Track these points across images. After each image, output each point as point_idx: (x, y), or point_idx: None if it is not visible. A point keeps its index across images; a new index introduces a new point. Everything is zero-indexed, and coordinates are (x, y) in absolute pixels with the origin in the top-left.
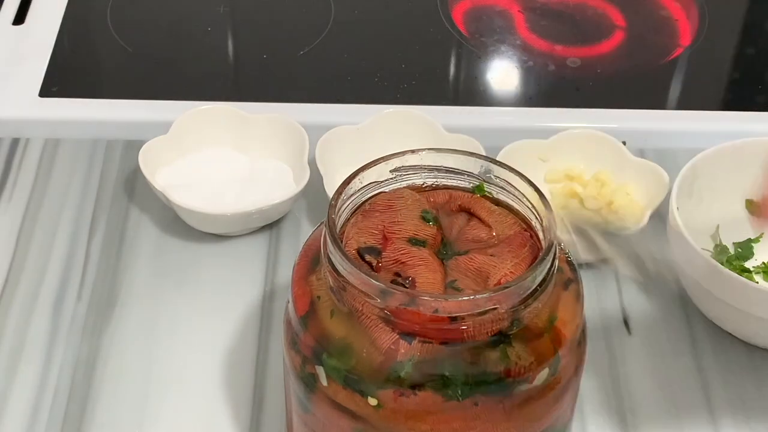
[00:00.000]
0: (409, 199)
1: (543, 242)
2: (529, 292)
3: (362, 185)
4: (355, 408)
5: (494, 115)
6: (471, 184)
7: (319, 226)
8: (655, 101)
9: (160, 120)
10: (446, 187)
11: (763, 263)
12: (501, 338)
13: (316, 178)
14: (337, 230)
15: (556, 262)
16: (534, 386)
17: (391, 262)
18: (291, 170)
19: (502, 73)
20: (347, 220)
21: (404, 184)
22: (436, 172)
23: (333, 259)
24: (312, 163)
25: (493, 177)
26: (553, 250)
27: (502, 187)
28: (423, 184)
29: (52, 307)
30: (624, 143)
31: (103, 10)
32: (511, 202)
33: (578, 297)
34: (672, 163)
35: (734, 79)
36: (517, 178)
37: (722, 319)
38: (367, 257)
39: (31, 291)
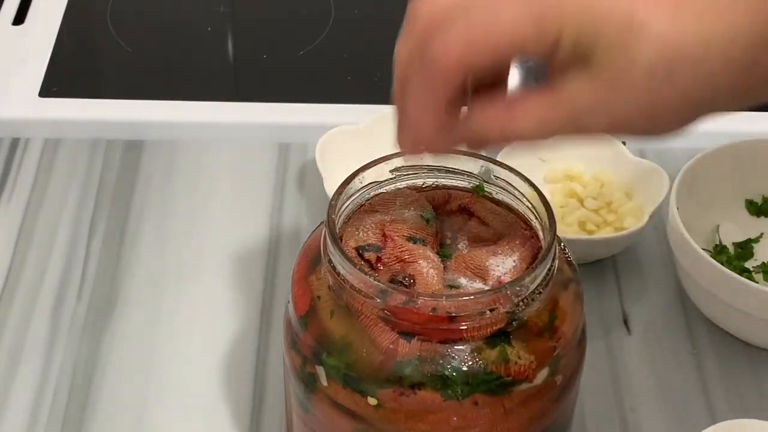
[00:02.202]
0: (409, 198)
1: (543, 242)
2: (529, 292)
3: (362, 185)
4: (355, 408)
5: None
6: (471, 184)
7: (319, 226)
8: None
9: (160, 120)
10: (446, 187)
11: (763, 263)
12: (501, 338)
13: (315, 178)
14: (337, 230)
15: (556, 262)
16: (534, 386)
17: (391, 261)
18: None
19: None
20: (347, 220)
21: (404, 184)
22: (436, 172)
23: (333, 259)
24: (312, 163)
25: (493, 177)
26: (553, 250)
27: (502, 187)
28: (423, 184)
29: (52, 307)
30: (624, 143)
31: (103, 10)
32: (511, 202)
33: (578, 297)
34: (672, 163)
35: None
36: (517, 178)
37: (722, 319)
38: (367, 256)
39: (31, 291)
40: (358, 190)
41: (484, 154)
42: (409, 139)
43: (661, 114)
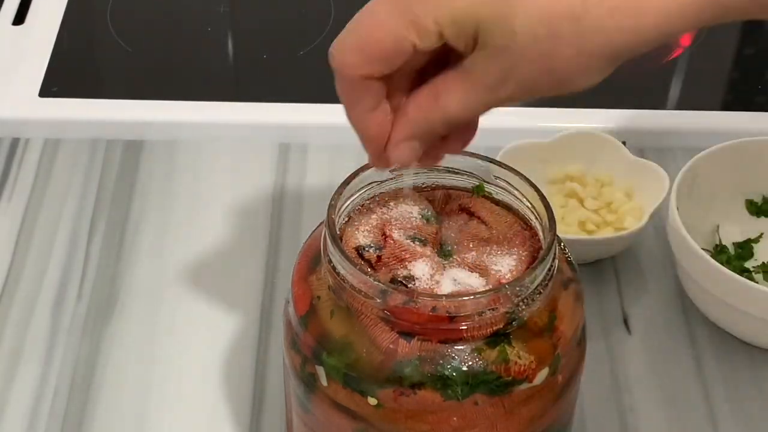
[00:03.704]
0: (409, 198)
1: (543, 242)
2: (529, 292)
3: (362, 185)
4: (355, 408)
5: (494, 115)
6: (471, 184)
7: (319, 226)
8: (655, 101)
9: (160, 120)
10: (446, 187)
11: (763, 263)
12: (501, 338)
13: (316, 178)
14: (337, 230)
15: (556, 262)
16: (534, 386)
17: (391, 261)
18: None
19: None
20: (347, 220)
21: (404, 184)
22: (436, 172)
23: (333, 259)
24: (312, 163)
25: (493, 177)
26: (553, 250)
27: (502, 187)
28: (423, 184)
29: (52, 307)
30: (624, 143)
31: (103, 10)
32: (511, 202)
33: (578, 297)
34: (672, 163)
35: (734, 79)
36: (517, 178)
37: (722, 319)
38: (367, 256)
39: (31, 291)
40: (358, 190)
41: (485, 155)
42: (370, 153)
43: (563, 69)
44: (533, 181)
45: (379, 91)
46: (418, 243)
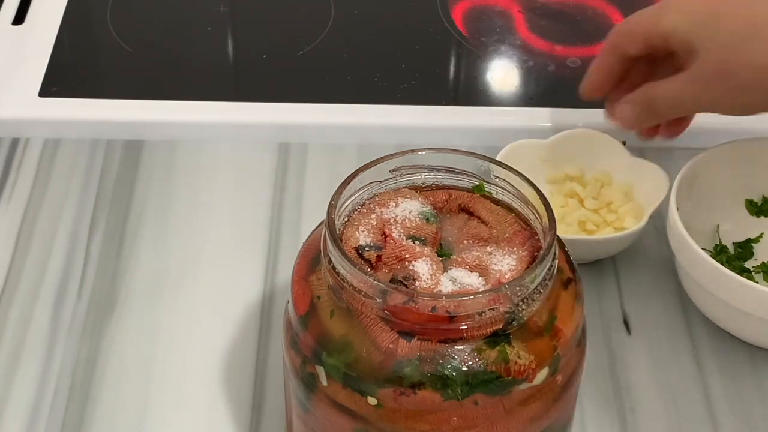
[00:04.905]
0: (409, 198)
1: (543, 242)
2: (529, 291)
3: (362, 185)
4: (355, 408)
5: (494, 115)
6: (471, 184)
7: (319, 226)
8: None
9: (160, 120)
10: (446, 187)
11: (763, 263)
12: (501, 337)
13: (315, 178)
14: (337, 230)
15: (556, 261)
16: (534, 386)
17: (391, 260)
18: None
19: (502, 73)
20: (347, 220)
21: (404, 183)
22: (436, 172)
23: (333, 259)
24: (312, 163)
25: (493, 177)
26: (553, 249)
27: (502, 187)
28: (423, 183)
29: (52, 307)
30: (624, 143)
31: (103, 10)
32: (511, 202)
33: (578, 297)
34: (672, 163)
35: None
36: (517, 178)
37: (722, 319)
38: (367, 255)
39: (31, 291)
40: (358, 190)
41: (486, 155)
42: (584, 84)
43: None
44: (533, 181)
45: (624, 68)
46: (418, 243)
